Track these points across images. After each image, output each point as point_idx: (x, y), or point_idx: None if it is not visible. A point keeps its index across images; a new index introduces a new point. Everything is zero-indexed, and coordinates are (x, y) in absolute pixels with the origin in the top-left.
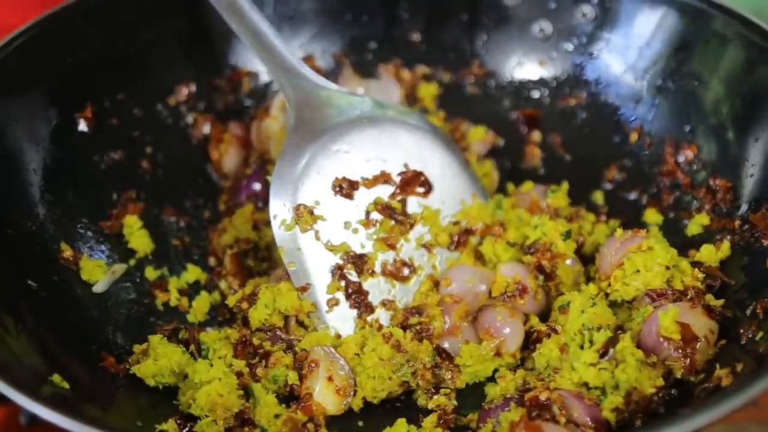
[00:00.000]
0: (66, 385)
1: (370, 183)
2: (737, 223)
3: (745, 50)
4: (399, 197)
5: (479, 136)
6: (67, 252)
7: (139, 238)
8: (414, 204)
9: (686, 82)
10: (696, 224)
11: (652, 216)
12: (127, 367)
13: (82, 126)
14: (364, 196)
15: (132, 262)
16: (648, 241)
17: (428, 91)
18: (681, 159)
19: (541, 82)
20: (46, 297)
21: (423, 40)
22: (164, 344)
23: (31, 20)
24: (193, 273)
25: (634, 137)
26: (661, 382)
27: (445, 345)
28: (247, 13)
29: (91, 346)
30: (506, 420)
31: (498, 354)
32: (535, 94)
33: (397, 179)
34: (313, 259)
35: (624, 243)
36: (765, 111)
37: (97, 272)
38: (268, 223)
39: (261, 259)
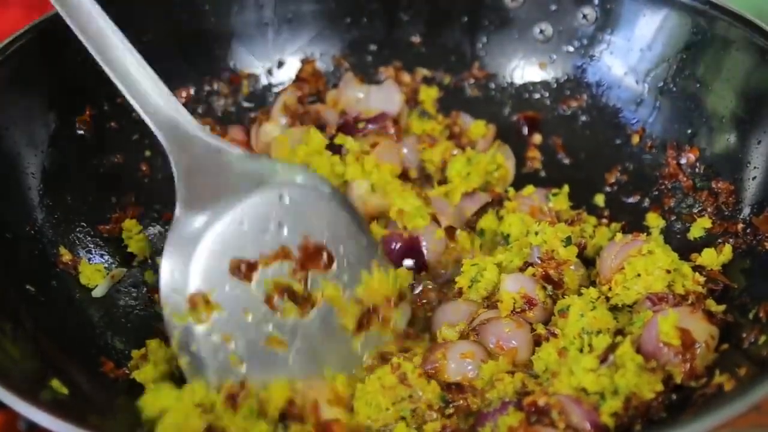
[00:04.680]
0: (65, 390)
1: (270, 260)
2: (740, 226)
3: (747, 52)
4: (299, 275)
5: (480, 132)
6: (66, 256)
7: (138, 243)
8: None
9: (688, 85)
10: (698, 227)
11: (653, 219)
12: (127, 372)
13: (81, 130)
14: (263, 276)
15: (133, 265)
16: (648, 245)
17: (428, 95)
18: (683, 161)
19: (542, 85)
20: (45, 302)
21: (423, 42)
22: (163, 349)
23: (29, 24)
24: None
25: (635, 140)
26: (660, 387)
27: (457, 379)
28: (120, 56)
29: (90, 350)
30: (504, 424)
31: (514, 365)
32: (536, 97)
33: (297, 254)
34: (209, 353)
35: (624, 247)
36: (767, 113)
37: (96, 276)
38: None
39: None
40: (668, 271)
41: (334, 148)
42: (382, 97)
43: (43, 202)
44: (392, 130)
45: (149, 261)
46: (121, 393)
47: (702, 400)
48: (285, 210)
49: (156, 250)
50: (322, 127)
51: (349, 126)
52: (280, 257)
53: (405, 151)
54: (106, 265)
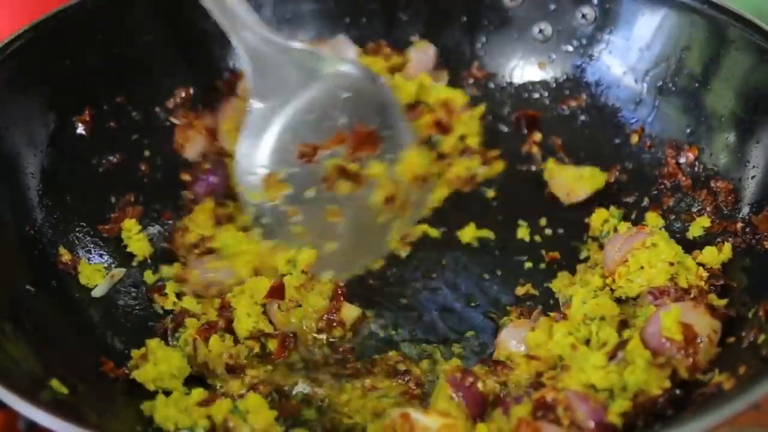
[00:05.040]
0: (65, 390)
1: (328, 144)
2: (739, 225)
3: (746, 52)
4: (353, 156)
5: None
6: (66, 256)
7: (137, 242)
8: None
9: (687, 84)
10: (697, 227)
11: (652, 218)
12: (127, 372)
13: (80, 130)
14: (322, 157)
15: (133, 265)
16: (652, 237)
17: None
18: (682, 161)
19: (541, 84)
20: (45, 302)
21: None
22: (163, 348)
23: (29, 23)
24: None
25: (634, 139)
26: (667, 384)
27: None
28: None
29: (90, 350)
30: (516, 414)
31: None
32: (535, 96)
33: (351, 137)
34: (278, 224)
35: (628, 239)
36: (766, 113)
37: (96, 276)
38: (229, 219)
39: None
40: (671, 264)
41: None
42: (337, 52)
43: (42, 202)
44: None
45: (149, 261)
46: (121, 393)
47: (701, 398)
48: (342, 99)
49: (156, 250)
50: None
51: None
52: (337, 141)
53: None
54: (106, 265)
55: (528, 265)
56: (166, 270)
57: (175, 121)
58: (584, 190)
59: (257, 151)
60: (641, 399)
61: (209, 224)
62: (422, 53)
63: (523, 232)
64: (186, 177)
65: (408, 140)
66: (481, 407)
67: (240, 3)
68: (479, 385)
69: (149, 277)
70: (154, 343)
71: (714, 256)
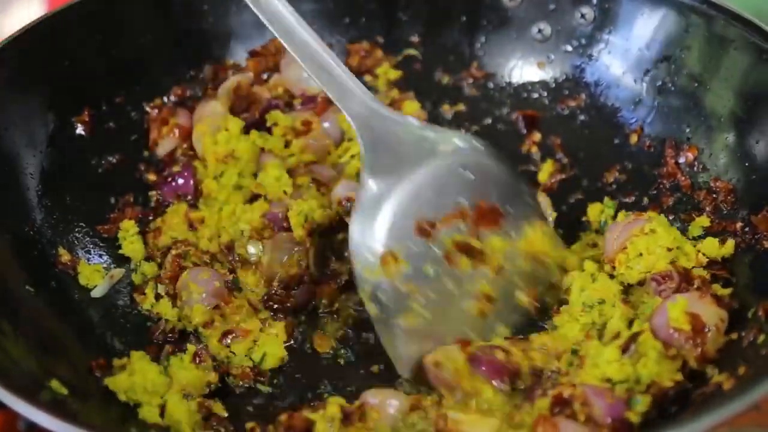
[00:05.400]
0: (64, 391)
1: (447, 220)
2: (738, 225)
3: (745, 51)
4: (475, 233)
5: (410, 111)
6: (65, 257)
7: (131, 245)
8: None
9: (686, 84)
10: (697, 226)
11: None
12: (100, 376)
13: (80, 130)
14: (441, 234)
15: (131, 266)
16: (651, 224)
17: (386, 73)
18: (681, 161)
19: (541, 84)
20: (44, 302)
21: (422, 42)
22: (142, 361)
23: (28, 24)
24: None
25: (634, 139)
26: (679, 376)
27: None
28: (320, 55)
29: (89, 351)
30: (537, 407)
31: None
32: (535, 96)
33: (471, 213)
34: (397, 302)
35: (627, 226)
36: (765, 112)
37: (96, 277)
38: (201, 222)
39: (203, 262)
40: (669, 249)
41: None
42: None
43: (41, 203)
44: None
45: (139, 264)
46: (93, 397)
47: (701, 399)
48: (459, 174)
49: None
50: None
51: (277, 108)
52: (457, 217)
53: (326, 125)
54: (105, 266)
55: None
56: (146, 268)
57: (147, 109)
58: None
59: (373, 229)
60: (654, 391)
61: (182, 227)
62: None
63: None
64: (152, 177)
65: (533, 216)
66: (509, 375)
67: (349, 75)
68: (500, 355)
69: (137, 278)
70: (136, 355)
71: (716, 247)
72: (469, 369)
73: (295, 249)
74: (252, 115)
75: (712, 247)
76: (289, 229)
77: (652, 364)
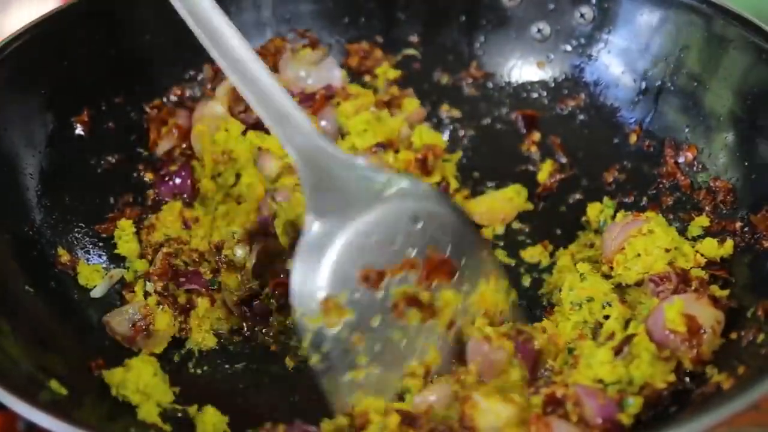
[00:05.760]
0: (64, 391)
1: (397, 270)
2: (738, 224)
3: (744, 51)
4: (424, 285)
5: (411, 107)
6: (65, 257)
7: (127, 244)
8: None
9: (686, 84)
10: (696, 226)
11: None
12: (99, 376)
13: (79, 130)
14: (390, 284)
15: (139, 266)
16: (649, 224)
17: (384, 73)
18: (681, 160)
19: (540, 84)
20: (44, 302)
21: (421, 42)
22: (141, 360)
23: (27, 24)
24: None
25: (633, 139)
26: (672, 377)
27: None
28: (250, 68)
29: (89, 351)
30: (534, 402)
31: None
32: (534, 96)
33: (422, 264)
34: (339, 352)
35: (625, 227)
36: (764, 112)
37: (95, 277)
38: (196, 221)
39: (192, 260)
40: (668, 250)
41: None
42: (324, 75)
43: (41, 203)
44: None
45: (132, 262)
46: (89, 393)
47: (700, 398)
48: (409, 222)
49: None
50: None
51: None
52: (407, 267)
53: (323, 123)
54: (105, 266)
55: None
56: (138, 265)
57: (146, 109)
58: (506, 214)
59: (315, 273)
60: (647, 392)
61: (177, 225)
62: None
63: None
64: (151, 177)
65: (486, 269)
66: (535, 365)
67: (294, 105)
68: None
69: (129, 276)
70: (141, 357)
71: (715, 247)
72: (512, 351)
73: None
74: (250, 115)
75: (710, 248)
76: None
77: (645, 366)
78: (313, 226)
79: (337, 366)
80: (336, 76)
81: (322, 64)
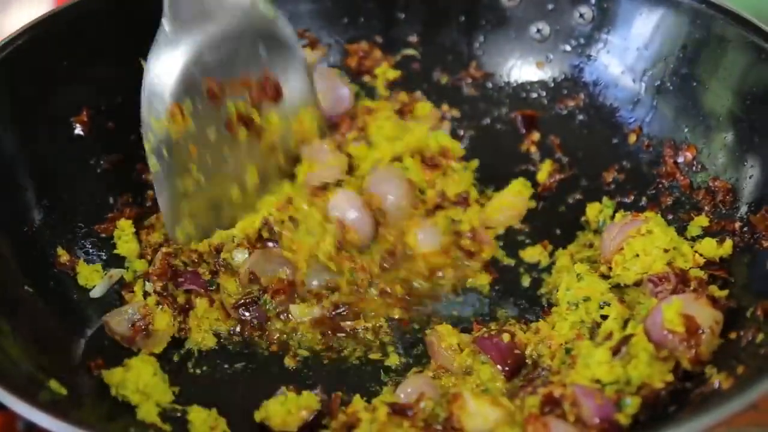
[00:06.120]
0: (63, 391)
1: (234, 86)
2: (737, 224)
3: (744, 51)
4: (255, 104)
5: (424, 111)
6: (64, 257)
7: (126, 244)
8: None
9: (685, 84)
10: (695, 226)
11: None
12: (98, 376)
13: (79, 130)
14: (227, 99)
15: (139, 266)
16: (647, 224)
17: (384, 74)
18: (680, 160)
19: (539, 84)
20: (43, 302)
21: (420, 42)
22: (141, 360)
23: (26, 23)
24: None
25: (632, 139)
26: (670, 377)
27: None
28: None
29: (88, 351)
30: (529, 404)
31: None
32: (533, 96)
33: (255, 85)
34: (178, 160)
35: (623, 227)
36: (764, 112)
37: (94, 277)
38: None
39: (191, 261)
40: (666, 251)
41: None
42: (334, 96)
43: (40, 203)
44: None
45: (132, 262)
46: (88, 393)
47: (699, 398)
48: (256, 46)
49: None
50: None
51: None
52: (243, 84)
53: (357, 144)
54: (104, 266)
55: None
56: (137, 265)
57: None
58: (519, 209)
59: (166, 76)
60: (645, 392)
61: None
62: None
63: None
64: (150, 176)
65: (308, 99)
66: (514, 362)
67: None
68: (505, 337)
69: (128, 275)
70: (141, 356)
71: (714, 247)
72: (473, 349)
73: (284, 267)
74: None
75: (709, 248)
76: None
77: (642, 366)
78: (168, 29)
79: (172, 173)
80: (345, 96)
81: (330, 86)
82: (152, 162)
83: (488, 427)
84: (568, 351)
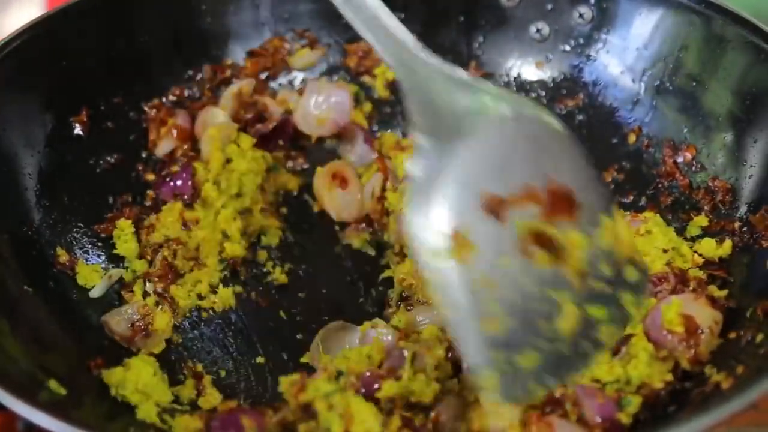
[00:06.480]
0: (63, 391)
1: (518, 200)
2: (737, 224)
3: (743, 51)
4: (548, 220)
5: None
6: (64, 257)
7: (125, 244)
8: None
9: (684, 84)
10: (695, 226)
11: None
12: (98, 376)
13: (78, 130)
14: (513, 217)
15: (138, 266)
16: (647, 225)
17: (383, 74)
18: (680, 160)
19: (539, 84)
20: (43, 302)
21: (419, 41)
22: (141, 360)
23: (26, 23)
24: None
25: (632, 139)
26: (670, 377)
27: None
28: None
29: (88, 351)
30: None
31: None
32: (533, 96)
33: (544, 196)
34: (471, 295)
35: None
36: (763, 112)
37: (94, 277)
38: (196, 222)
39: (188, 258)
40: (665, 251)
41: (270, 145)
42: (335, 107)
43: (40, 203)
44: None
45: (131, 262)
46: (88, 393)
47: (699, 398)
48: (527, 145)
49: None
50: (261, 119)
51: (286, 127)
52: (529, 198)
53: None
54: (104, 266)
55: None
56: (137, 265)
57: (145, 109)
58: None
59: (435, 206)
60: (644, 392)
61: (177, 226)
62: None
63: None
64: (150, 177)
65: (603, 206)
66: None
67: (393, 20)
68: None
69: (127, 275)
70: (141, 356)
71: (713, 247)
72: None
73: None
74: (265, 127)
75: (709, 248)
76: None
77: (642, 366)
78: (427, 147)
79: (467, 316)
80: (344, 100)
81: (336, 96)
82: (444, 310)
83: (505, 424)
84: None
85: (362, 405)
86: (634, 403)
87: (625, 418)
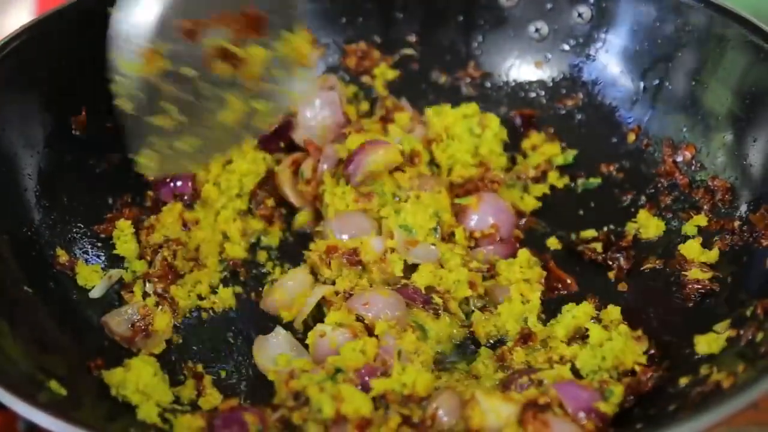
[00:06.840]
0: (63, 392)
1: (213, 23)
2: (736, 223)
3: (743, 51)
4: (237, 40)
5: (404, 121)
6: (63, 257)
7: (125, 244)
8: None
9: (684, 83)
10: (694, 225)
11: (648, 217)
12: (98, 376)
13: (78, 130)
14: (205, 37)
15: (138, 267)
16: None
17: (383, 74)
18: (679, 159)
19: (538, 83)
20: (43, 303)
21: (419, 41)
22: (141, 360)
23: (25, 23)
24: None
25: (631, 138)
26: (643, 359)
27: None
28: None
29: (88, 351)
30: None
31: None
32: (532, 95)
33: (237, 19)
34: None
35: None
36: (763, 111)
37: (94, 277)
38: (196, 223)
39: (188, 259)
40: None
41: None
42: (326, 113)
43: (39, 203)
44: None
45: (131, 262)
46: (88, 393)
47: (700, 397)
48: None
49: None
50: None
51: (287, 129)
52: (223, 21)
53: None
54: (103, 266)
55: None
56: (137, 265)
57: None
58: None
59: (139, 21)
60: (626, 380)
61: (176, 227)
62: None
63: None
64: (150, 177)
65: (287, 25)
66: None
67: None
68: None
69: (127, 275)
70: (141, 357)
71: (698, 251)
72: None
73: None
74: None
75: (693, 251)
76: None
77: (615, 344)
78: None
79: (144, 108)
80: (334, 99)
81: (328, 104)
82: (125, 104)
83: (502, 422)
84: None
85: (353, 389)
86: (616, 392)
87: (608, 408)
